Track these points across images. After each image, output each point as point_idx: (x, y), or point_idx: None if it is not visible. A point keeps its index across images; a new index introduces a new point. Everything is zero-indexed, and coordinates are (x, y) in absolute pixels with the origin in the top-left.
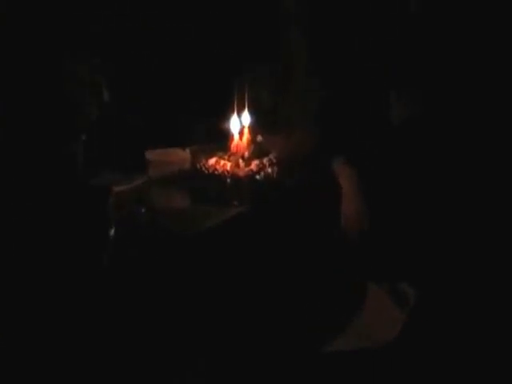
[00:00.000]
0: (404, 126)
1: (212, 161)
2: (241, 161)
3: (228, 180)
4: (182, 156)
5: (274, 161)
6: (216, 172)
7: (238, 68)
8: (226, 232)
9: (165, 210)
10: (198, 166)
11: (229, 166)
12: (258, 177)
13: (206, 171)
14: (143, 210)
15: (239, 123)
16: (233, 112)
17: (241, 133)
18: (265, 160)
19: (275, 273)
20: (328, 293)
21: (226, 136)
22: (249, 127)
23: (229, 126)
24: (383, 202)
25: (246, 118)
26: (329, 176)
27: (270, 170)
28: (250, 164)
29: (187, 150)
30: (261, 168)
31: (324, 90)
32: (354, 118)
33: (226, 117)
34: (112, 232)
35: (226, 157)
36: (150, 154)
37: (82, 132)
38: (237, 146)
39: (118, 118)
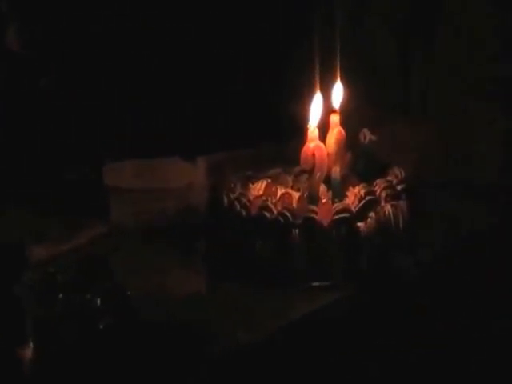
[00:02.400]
0: None
1: (258, 187)
2: (323, 187)
3: (295, 232)
4: (186, 175)
5: (401, 186)
6: (267, 214)
7: None
8: (294, 348)
9: (153, 299)
10: (226, 198)
11: (296, 198)
12: (362, 225)
13: (244, 211)
14: (99, 301)
15: (320, 105)
16: (308, 85)
17: (324, 125)
18: (378, 185)
19: None
20: None
21: (287, 133)
22: (341, 113)
23: (297, 112)
24: None
25: (337, 93)
26: None
27: (390, 207)
28: (344, 196)
29: (200, 162)
30: (370, 204)
31: None
32: None
33: (284, 94)
34: (30, 348)
35: (290, 178)
36: (117, 174)
37: None
38: (315, 153)
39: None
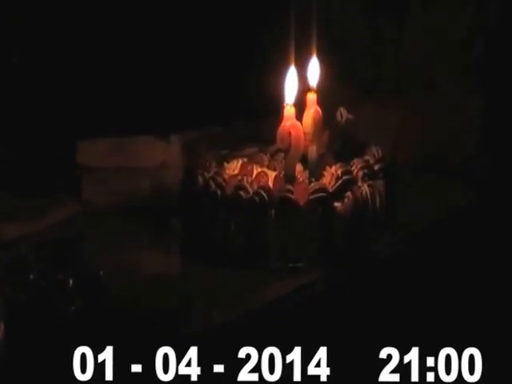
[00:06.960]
0: None
1: (233, 167)
2: (300, 167)
3: (271, 211)
4: (160, 154)
5: (378, 166)
6: (243, 193)
7: None
8: (268, 329)
9: (125, 281)
10: (201, 177)
11: (272, 178)
12: (339, 205)
13: (220, 191)
14: (71, 282)
15: (296, 82)
16: (283, 62)
17: (301, 104)
18: (355, 165)
19: None
20: None
21: (263, 112)
22: (318, 91)
23: (273, 89)
24: None
25: (314, 70)
26: None
27: (367, 187)
28: (321, 175)
29: (174, 140)
30: (347, 184)
31: None
32: None
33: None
34: (1, 330)
35: (266, 157)
36: (89, 152)
37: None
38: (291, 132)
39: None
